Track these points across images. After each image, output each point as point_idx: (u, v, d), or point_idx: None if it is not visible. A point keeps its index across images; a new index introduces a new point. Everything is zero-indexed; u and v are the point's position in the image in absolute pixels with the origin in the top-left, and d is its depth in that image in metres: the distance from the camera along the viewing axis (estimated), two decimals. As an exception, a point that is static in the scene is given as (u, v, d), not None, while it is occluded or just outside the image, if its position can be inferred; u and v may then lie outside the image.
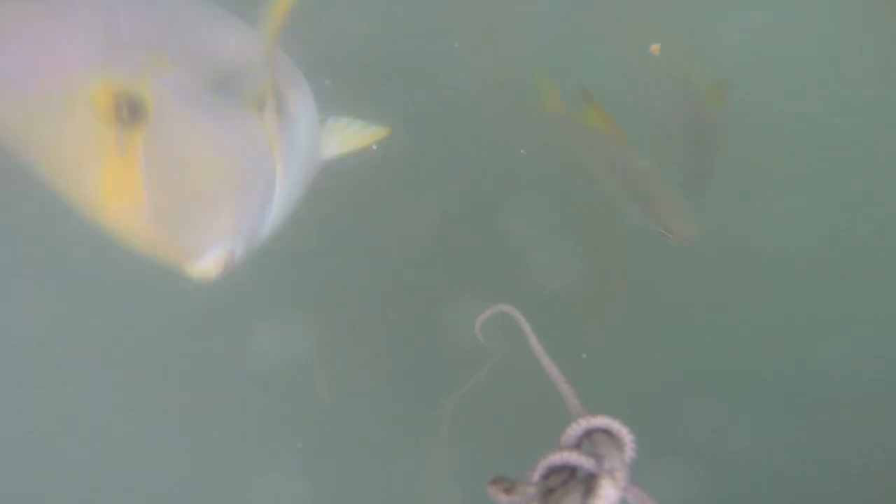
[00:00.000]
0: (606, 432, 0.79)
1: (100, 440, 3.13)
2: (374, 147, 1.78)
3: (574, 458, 0.76)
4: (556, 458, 0.76)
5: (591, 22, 3.29)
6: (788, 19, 3.45)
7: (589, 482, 0.75)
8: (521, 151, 3.00)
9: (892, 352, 3.14)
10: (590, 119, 2.35)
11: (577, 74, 2.58)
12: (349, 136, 1.76)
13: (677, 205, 2.30)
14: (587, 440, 0.79)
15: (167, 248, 1.12)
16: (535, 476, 0.77)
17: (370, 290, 3.05)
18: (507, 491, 0.76)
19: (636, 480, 0.76)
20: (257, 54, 1.37)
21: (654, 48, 2.73)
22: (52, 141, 1.08)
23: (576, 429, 0.79)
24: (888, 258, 3.30)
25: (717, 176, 2.61)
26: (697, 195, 2.60)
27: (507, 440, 2.54)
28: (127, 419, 3.14)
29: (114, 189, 1.08)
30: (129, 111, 1.09)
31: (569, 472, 0.77)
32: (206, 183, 1.15)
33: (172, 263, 1.14)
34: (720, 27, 3.45)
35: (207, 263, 1.13)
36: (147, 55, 1.18)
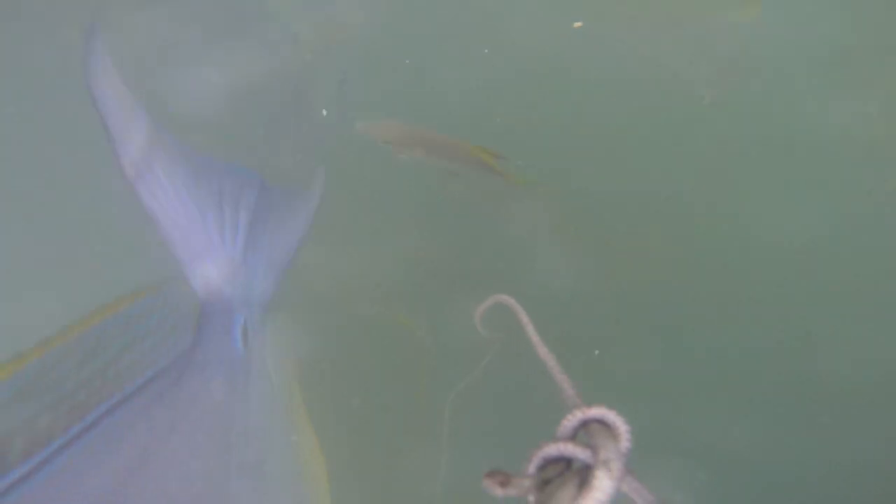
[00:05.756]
0: (602, 423, 0.78)
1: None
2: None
3: (569, 449, 0.76)
4: (552, 449, 0.76)
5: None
6: (789, 15, 3.45)
7: (584, 473, 0.75)
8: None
9: (894, 351, 3.13)
10: None
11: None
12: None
13: None
14: (583, 431, 0.78)
15: None
16: (531, 468, 0.76)
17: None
18: (503, 484, 0.75)
19: (632, 471, 0.76)
20: None
21: (577, 24, 2.78)
22: None
23: (571, 420, 0.78)
24: (890, 257, 3.29)
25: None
26: None
27: (505, 430, 2.53)
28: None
29: None
30: None
31: (564, 464, 0.77)
32: None
33: None
34: (721, 25, 3.46)
35: None
36: None
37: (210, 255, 1.41)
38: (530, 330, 0.88)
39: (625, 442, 0.76)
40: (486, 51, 3.25)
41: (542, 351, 0.85)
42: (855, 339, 3.10)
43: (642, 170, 3.37)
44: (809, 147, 3.41)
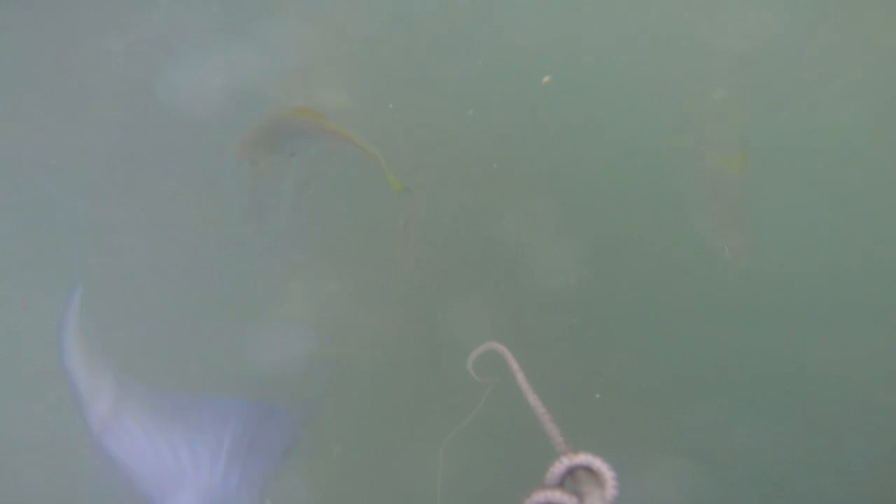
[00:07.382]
0: (588, 469, 0.81)
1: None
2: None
3: (557, 496, 0.78)
4: (540, 497, 0.79)
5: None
6: (792, 22, 3.45)
7: (572, 520, 0.78)
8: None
9: (892, 352, 3.13)
10: None
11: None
12: None
13: None
14: (570, 477, 0.81)
15: None
16: (520, 515, 0.79)
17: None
18: (494, 530, 0.78)
19: (617, 517, 0.78)
20: None
21: (546, 80, 2.81)
22: None
23: (559, 466, 0.81)
24: (888, 258, 3.29)
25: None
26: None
27: (498, 472, 2.55)
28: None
29: None
30: None
31: (553, 511, 0.80)
32: None
33: None
34: (725, 29, 3.45)
35: None
36: None
37: (183, 486, 1.46)
38: (520, 377, 0.91)
39: (610, 489, 0.79)
40: (471, 112, 3.32)
41: (532, 398, 0.88)
42: (853, 340, 3.11)
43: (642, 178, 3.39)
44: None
